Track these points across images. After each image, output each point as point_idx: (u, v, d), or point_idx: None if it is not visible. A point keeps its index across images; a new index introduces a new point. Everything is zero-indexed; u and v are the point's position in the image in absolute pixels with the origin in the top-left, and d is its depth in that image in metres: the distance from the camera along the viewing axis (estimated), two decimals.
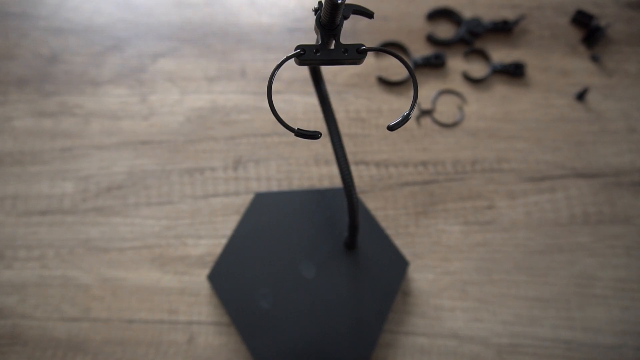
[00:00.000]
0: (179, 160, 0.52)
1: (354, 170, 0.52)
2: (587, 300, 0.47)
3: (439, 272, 0.48)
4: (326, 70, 0.56)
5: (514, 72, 0.56)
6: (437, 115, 0.55)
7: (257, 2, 0.61)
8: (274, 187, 0.51)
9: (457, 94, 0.56)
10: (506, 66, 0.56)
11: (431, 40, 0.58)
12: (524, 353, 0.45)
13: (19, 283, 0.47)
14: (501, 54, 0.58)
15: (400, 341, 0.46)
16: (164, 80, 0.56)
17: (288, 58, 0.27)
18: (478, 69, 0.57)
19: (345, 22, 0.29)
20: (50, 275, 0.48)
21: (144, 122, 0.54)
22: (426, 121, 0.55)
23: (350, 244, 0.46)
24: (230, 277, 0.45)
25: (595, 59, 0.57)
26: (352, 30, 0.59)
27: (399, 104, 0.55)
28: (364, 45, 0.28)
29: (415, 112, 0.55)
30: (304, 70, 0.56)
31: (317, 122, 0.54)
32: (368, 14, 0.29)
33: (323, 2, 0.27)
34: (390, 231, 0.49)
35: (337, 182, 0.52)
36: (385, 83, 0.56)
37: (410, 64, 0.57)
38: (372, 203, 0.51)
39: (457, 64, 0.57)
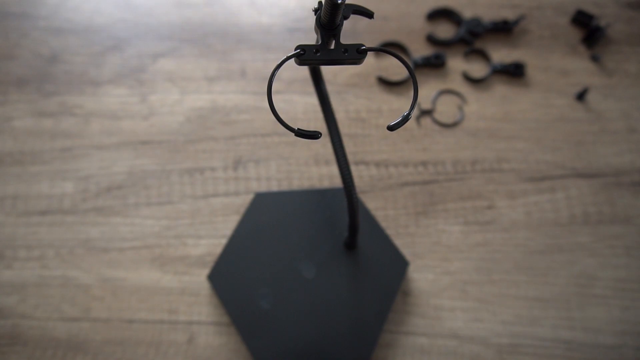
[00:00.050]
0: (179, 160, 0.52)
1: (354, 170, 0.52)
2: (587, 300, 0.47)
3: (439, 272, 0.48)
4: (326, 70, 0.56)
5: (514, 72, 0.56)
6: (437, 115, 0.55)
7: (257, 2, 0.61)
8: (274, 187, 0.51)
9: (457, 94, 0.56)
10: (506, 66, 0.56)
11: (431, 40, 0.58)
12: (524, 353, 0.45)
13: (19, 283, 0.47)
14: (501, 54, 0.58)
15: (400, 341, 0.46)
16: (164, 80, 0.56)
17: (288, 58, 0.27)
18: (478, 69, 0.57)
19: (345, 22, 0.29)
20: (50, 275, 0.48)
21: (144, 122, 0.54)
22: (426, 121, 0.55)
23: (350, 244, 0.46)
24: (230, 277, 0.45)
25: (595, 59, 0.57)
26: (352, 30, 0.59)
27: (399, 104, 0.55)
28: (364, 45, 0.28)
29: (415, 112, 0.55)
30: (304, 70, 0.56)
31: (317, 122, 0.54)
32: (368, 14, 0.29)
33: (323, 2, 0.27)
34: (390, 231, 0.49)
35: (337, 182, 0.52)
36: (385, 83, 0.56)
37: (410, 64, 0.57)
38: (372, 203, 0.51)
39: (457, 64, 0.57)
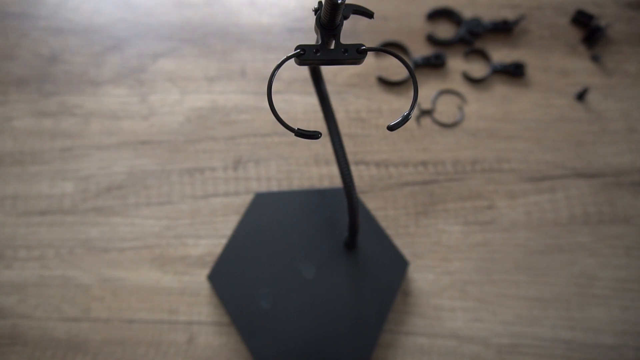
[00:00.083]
0: (179, 160, 0.52)
1: (354, 170, 0.52)
2: (587, 300, 0.47)
3: (439, 272, 0.48)
4: (326, 70, 0.56)
5: (514, 72, 0.56)
6: (437, 115, 0.55)
7: (257, 2, 0.61)
8: (274, 187, 0.51)
9: (457, 94, 0.56)
10: (506, 66, 0.56)
11: (431, 40, 0.58)
12: (524, 353, 0.45)
13: (19, 283, 0.47)
14: (501, 54, 0.58)
15: (400, 341, 0.46)
16: (164, 80, 0.56)
17: (288, 58, 0.27)
18: (478, 69, 0.57)
19: (345, 22, 0.29)
20: (50, 275, 0.48)
21: (144, 122, 0.54)
22: (426, 121, 0.55)
23: (350, 244, 0.46)
24: (230, 277, 0.45)
25: (595, 59, 0.57)
26: (352, 30, 0.59)
27: (399, 104, 0.55)
28: (364, 45, 0.28)
29: (415, 112, 0.55)
30: (304, 70, 0.56)
31: (317, 122, 0.54)
32: (368, 14, 0.29)
33: (323, 2, 0.27)
34: (390, 231, 0.49)
35: (337, 182, 0.52)
36: (385, 83, 0.56)
37: (410, 64, 0.57)
38: (372, 203, 0.51)
39: (457, 64, 0.57)
